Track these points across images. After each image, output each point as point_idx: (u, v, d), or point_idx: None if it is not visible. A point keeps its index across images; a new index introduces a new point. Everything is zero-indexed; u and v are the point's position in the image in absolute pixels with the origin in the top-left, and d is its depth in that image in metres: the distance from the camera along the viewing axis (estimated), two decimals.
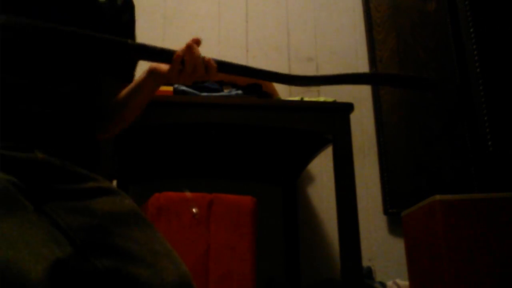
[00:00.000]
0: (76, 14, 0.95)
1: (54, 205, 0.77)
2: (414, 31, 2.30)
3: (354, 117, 1.54)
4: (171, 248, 0.83)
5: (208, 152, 1.89)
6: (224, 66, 0.99)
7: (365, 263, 1.93)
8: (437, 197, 1.41)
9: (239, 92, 1.62)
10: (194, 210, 1.44)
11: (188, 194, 1.46)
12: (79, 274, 0.72)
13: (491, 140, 1.91)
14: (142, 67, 1.06)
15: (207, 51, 2.43)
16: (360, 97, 2.25)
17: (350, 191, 1.41)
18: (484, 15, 2.05)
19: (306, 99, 1.64)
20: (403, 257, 1.70)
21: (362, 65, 2.30)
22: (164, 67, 0.97)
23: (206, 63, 0.95)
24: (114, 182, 1.79)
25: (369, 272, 1.88)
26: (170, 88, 1.56)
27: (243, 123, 1.48)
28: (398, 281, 1.83)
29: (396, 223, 2.10)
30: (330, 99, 1.64)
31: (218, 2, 2.30)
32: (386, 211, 2.11)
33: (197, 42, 0.96)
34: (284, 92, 2.16)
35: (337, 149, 1.45)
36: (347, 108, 1.50)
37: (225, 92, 1.61)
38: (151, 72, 1.00)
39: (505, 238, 1.37)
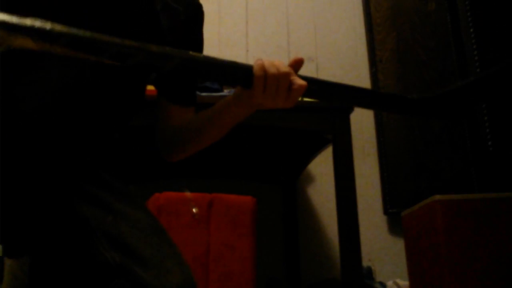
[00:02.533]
0: (129, 22, 0.88)
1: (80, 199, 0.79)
2: (414, 31, 2.30)
3: (354, 117, 1.54)
4: (179, 251, 0.83)
5: (208, 152, 1.89)
6: (316, 85, 0.78)
7: (365, 263, 1.93)
8: (437, 197, 1.41)
9: None
10: (194, 210, 1.44)
11: (188, 194, 1.46)
12: (86, 262, 0.74)
13: (491, 140, 1.91)
14: None
15: (207, 51, 2.43)
16: None
17: (350, 191, 1.41)
18: (484, 15, 2.05)
19: (306, 99, 1.63)
20: (403, 257, 1.70)
21: (362, 65, 2.31)
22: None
23: (291, 82, 0.77)
24: None
25: (369, 272, 1.88)
26: None
27: (243, 123, 1.48)
28: (398, 281, 1.83)
29: (396, 223, 2.10)
30: None
31: (218, 2, 2.30)
32: (386, 211, 2.11)
33: (298, 63, 0.79)
34: None
35: (337, 149, 1.45)
36: (347, 108, 1.50)
37: (225, 92, 1.61)
38: (236, 96, 0.83)
39: (505, 238, 1.37)
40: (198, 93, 1.58)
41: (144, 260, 0.76)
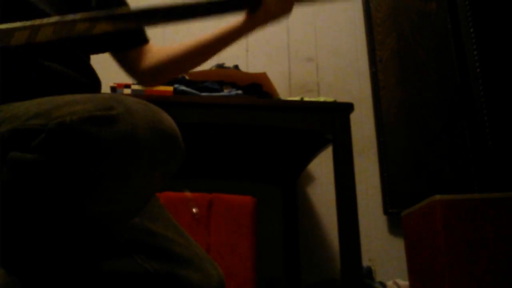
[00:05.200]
0: None
1: None
2: (414, 31, 2.30)
3: (354, 117, 1.54)
4: (204, 252, 0.82)
5: (208, 152, 1.89)
6: None
7: (365, 263, 1.93)
8: (437, 197, 1.41)
9: (239, 92, 1.62)
10: (194, 210, 1.44)
11: (188, 194, 1.46)
12: (125, 276, 0.68)
13: (491, 140, 1.91)
14: None
15: None
16: (360, 97, 2.25)
17: (350, 191, 1.41)
18: (484, 15, 2.05)
19: (306, 99, 1.64)
20: (403, 257, 1.70)
21: (362, 65, 2.31)
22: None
23: None
24: None
25: (369, 272, 1.88)
26: (170, 88, 1.56)
27: (243, 123, 1.48)
28: (398, 281, 1.83)
29: (396, 223, 2.10)
30: (330, 99, 1.64)
31: None
32: (386, 211, 2.11)
33: None
34: (284, 92, 2.16)
35: (337, 149, 1.45)
36: (347, 108, 1.50)
37: (225, 92, 1.61)
38: (240, 24, 0.99)
39: (505, 238, 1.37)
40: (198, 93, 1.58)
41: (187, 263, 0.74)
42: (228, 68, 1.79)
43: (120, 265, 0.68)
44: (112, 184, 0.53)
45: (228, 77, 1.69)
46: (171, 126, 0.59)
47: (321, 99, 1.67)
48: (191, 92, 1.57)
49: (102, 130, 0.51)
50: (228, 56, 2.18)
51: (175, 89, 1.56)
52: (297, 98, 1.70)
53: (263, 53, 2.26)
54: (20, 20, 0.77)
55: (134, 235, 0.73)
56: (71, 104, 0.54)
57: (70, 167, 0.51)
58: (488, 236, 1.37)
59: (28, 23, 0.73)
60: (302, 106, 1.52)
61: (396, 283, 1.82)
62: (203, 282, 0.73)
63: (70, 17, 0.76)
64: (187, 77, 1.69)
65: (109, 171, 0.52)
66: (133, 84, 1.59)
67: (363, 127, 2.22)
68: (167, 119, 0.59)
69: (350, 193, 1.41)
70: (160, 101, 1.42)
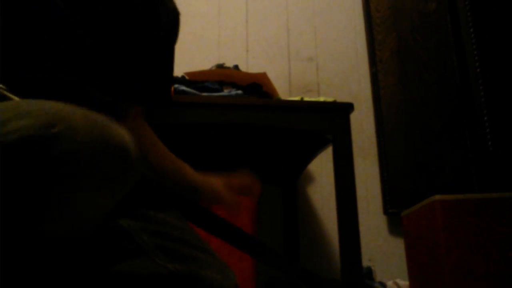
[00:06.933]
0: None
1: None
2: (414, 31, 2.30)
3: (354, 117, 1.54)
4: (219, 256, 0.82)
5: (208, 152, 1.89)
6: None
7: (365, 263, 1.93)
8: (437, 197, 1.41)
9: (239, 92, 1.62)
10: None
11: None
12: (147, 277, 0.68)
13: (491, 140, 1.91)
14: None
15: (207, 51, 2.43)
16: (360, 97, 2.25)
17: (350, 191, 1.41)
18: (484, 15, 2.05)
19: (306, 99, 1.63)
20: (403, 257, 1.70)
21: (362, 65, 2.31)
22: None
23: None
24: None
25: (369, 272, 1.88)
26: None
27: (243, 123, 1.48)
28: (398, 281, 1.83)
29: (396, 223, 2.10)
30: (330, 99, 1.64)
31: (218, 2, 2.30)
32: (386, 211, 2.11)
33: None
34: (284, 92, 2.16)
35: (337, 149, 1.45)
36: (347, 108, 1.50)
37: (225, 92, 1.61)
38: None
39: (505, 238, 1.37)
40: (198, 93, 1.58)
41: (208, 265, 0.75)
42: (228, 68, 1.79)
43: (140, 267, 0.68)
44: (54, 203, 0.53)
45: (228, 77, 1.68)
46: (121, 142, 0.57)
47: (321, 99, 1.67)
48: (191, 92, 1.56)
49: (40, 150, 0.51)
50: (228, 56, 2.18)
51: (175, 89, 1.56)
52: (297, 98, 1.70)
53: (263, 53, 2.26)
54: (38, 16, 0.74)
55: (152, 238, 0.73)
56: (21, 117, 0.54)
57: (8, 187, 0.51)
58: (488, 236, 1.37)
59: None
60: (302, 106, 1.52)
61: (396, 283, 1.82)
62: (224, 283, 0.73)
63: None
64: (187, 77, 1.69)
65: (50, 191, 0.52)
66: None
67: (363, 127, 2.22)
68: (117, 135, 0.58)
69: (350, 193, 1.41)
70: None
